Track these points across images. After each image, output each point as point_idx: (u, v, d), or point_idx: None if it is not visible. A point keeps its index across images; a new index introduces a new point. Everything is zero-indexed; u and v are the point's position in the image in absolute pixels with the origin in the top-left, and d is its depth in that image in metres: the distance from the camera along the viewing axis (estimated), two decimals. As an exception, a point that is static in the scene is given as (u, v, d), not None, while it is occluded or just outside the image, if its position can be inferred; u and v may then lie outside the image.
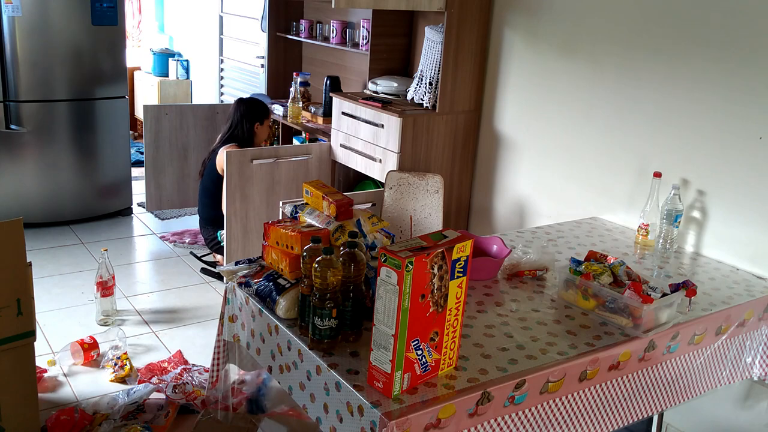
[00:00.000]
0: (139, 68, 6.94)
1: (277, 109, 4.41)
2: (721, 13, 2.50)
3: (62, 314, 3.43)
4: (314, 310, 1.69)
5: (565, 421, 1.80)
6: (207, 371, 2.85)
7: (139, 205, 5.00)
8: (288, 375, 1.85)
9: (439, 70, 3.37)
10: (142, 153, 5.20)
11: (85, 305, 3.52)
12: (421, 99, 3.47)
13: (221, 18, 5.52)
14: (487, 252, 2.32)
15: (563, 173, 3.18)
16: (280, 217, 2.45)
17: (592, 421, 1.87)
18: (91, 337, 3.05)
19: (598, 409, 1.87)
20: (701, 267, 2.50)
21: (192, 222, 4.79)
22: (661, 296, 1.95)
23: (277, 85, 4.84)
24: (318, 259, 1.67)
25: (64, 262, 4.05)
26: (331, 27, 4.22)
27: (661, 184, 2.63)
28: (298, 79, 4.40)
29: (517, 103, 3.37)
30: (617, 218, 2.94)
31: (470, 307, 2.01)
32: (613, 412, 1.92)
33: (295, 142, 4.47)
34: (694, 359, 2.10)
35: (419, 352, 1.56)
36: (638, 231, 2.67)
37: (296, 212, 2.10)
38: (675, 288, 2.04)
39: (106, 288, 3.34)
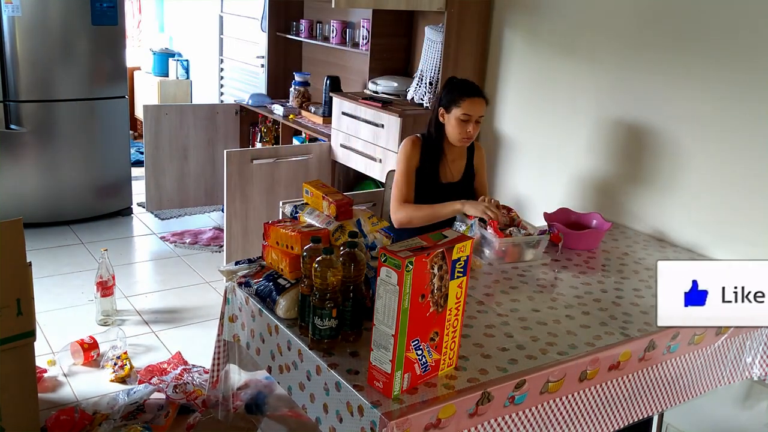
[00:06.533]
0: (139, 68, 6.94)
1: (277, 109, 4.41)
2: (723, 11, 2.50)
3: (62, 314, 3.43)
4: (314, 310, 1.69)
5: (565, 421, 1.80)
6: (207, 372, 2.84)
7: (139, 205, 4.99)
8: (288, 375, 1.85)
9: (439, 70, 3.37)
10: (142, 153, 5.19)
11: (85, 305, 3.52)
12: (421, 99, 3.47)
13: (221, 18, 5.52)
14: (587, 226, 2.70)
15: (563, 173, 3.18)
16: (280, 217, 2.45)
17: (592, 421, 1.87)
18: (91, 337, 3.05)
19: (598, 409, 1.87)
20: (701, 267, 2.49)
21: (192, 222, 4.79)
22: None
23: (277, 85, 4.84)
24: (318, 259, 1.66)
25: (64, 262, 4.04)
26: (331, 27, 4.22)
27: (663, 184, 2.63)
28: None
29: (517, 103, 3.37)
30: (617, 218, 2.94)
31: (470, 307, 2.01)
32: (613, 412, 1.92)
33: (295, 142, 4.47)
34: (694, 359, 2.10)
35: (419, 352, 1.56)
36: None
37: (296, 212, 2.10)
38: (541, 232, 2.40)
39: (106, 288, 3.34)
